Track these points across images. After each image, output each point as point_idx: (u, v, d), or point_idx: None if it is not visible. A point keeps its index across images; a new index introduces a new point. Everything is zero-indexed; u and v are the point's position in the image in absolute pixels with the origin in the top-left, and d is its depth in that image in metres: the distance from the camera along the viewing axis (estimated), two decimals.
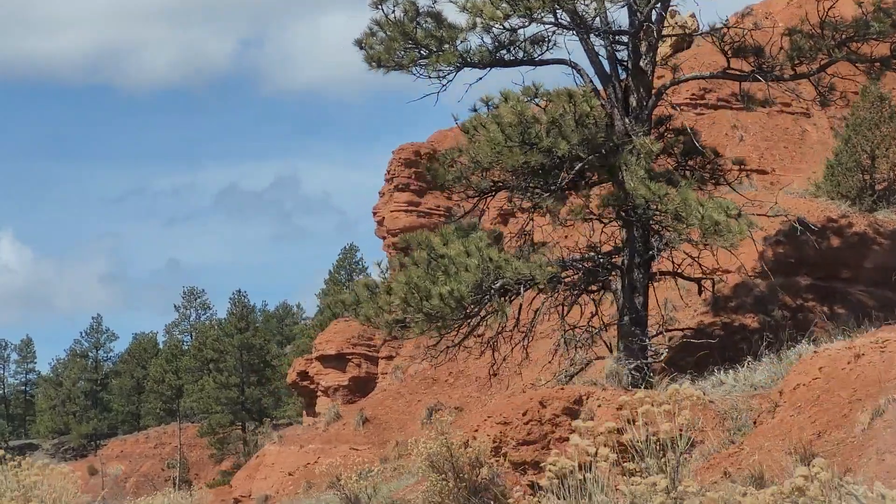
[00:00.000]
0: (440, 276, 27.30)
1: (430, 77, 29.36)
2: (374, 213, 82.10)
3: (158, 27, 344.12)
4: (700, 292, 30.67)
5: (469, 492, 21.21)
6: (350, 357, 51.30)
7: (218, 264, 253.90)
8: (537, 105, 27.38)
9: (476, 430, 22.10)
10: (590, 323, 28.34)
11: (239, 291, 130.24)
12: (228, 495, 42.99)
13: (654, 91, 29.59)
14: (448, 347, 28.41)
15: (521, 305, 28.09)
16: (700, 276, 30.16)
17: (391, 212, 79.14)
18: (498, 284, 27.44)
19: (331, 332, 51.49)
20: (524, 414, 21.84)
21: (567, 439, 21.88)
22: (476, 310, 27.51)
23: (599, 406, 22.00)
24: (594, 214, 28.17)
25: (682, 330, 30.77)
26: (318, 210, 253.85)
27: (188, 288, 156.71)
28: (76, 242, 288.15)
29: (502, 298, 27.51)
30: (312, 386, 57.86)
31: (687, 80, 30.41)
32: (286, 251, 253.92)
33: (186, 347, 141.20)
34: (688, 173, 30.33)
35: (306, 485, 35.10)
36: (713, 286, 30.32)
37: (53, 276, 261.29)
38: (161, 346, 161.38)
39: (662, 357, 26.72)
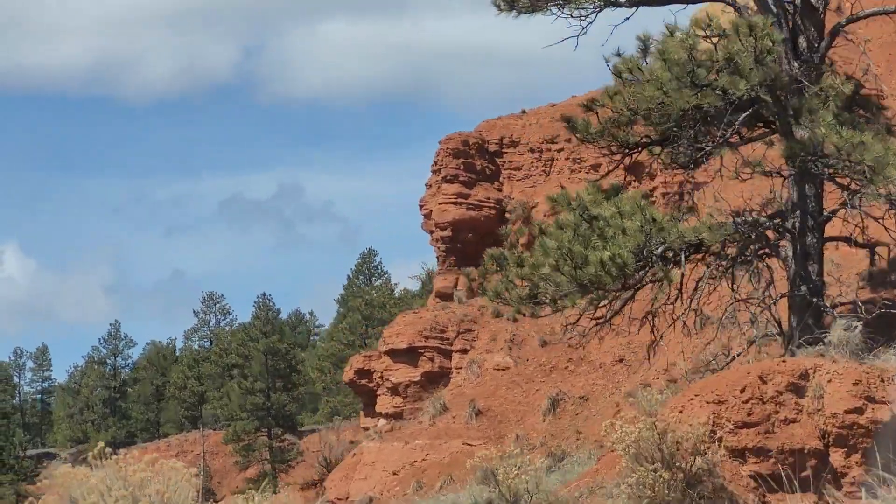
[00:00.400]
0: (595, 240, 23.66)
1: (570, 17, 25.76)
2: (421, 206, 78.34)
3: (157, 35, 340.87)
4: (872, 262, 26.99)
5: (685, 484, 17.52)
6: (422, 351, 47.66)
7: (222, 273, 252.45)
8: (707, 40, 23.70)
9: (681, 411, 18.40)
10: (765, 293, 24.59)
11: (263, 295, 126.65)
12: (302, 496, 39.34)
13: (826, 31, 25.97)
14: (600, 322, 24.70)
15: (682, 275, 24.41)
16: (874, 242, 26.48)
17: (439, 204, 75.38)
18: (660, 250, 23.81)
19: (400, 325, 47.74)
20: (742, 391, 18.18)
21: (795, 420, 18.23)
22: (637, 279, 23.87)
23: (830, 381, 18.34)
24: (773, 168, 24.47)
25: (849, 304, 27.05)
26: (321, 218, 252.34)
27: (207, 293, 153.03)
28: (79, 253, 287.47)
29: (665, 265, 23.88)
30: (371, 384, 54.21)
31: (868, 15, 26.73)
32: (289, 259, 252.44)
33: (207, 353, 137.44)
34: None
35: (416, 484, 31.40)
36: (889, 254, 26.62)
37: (57, 287, 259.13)
38: (179, 352, 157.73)
39: (857, 330, 22.98)
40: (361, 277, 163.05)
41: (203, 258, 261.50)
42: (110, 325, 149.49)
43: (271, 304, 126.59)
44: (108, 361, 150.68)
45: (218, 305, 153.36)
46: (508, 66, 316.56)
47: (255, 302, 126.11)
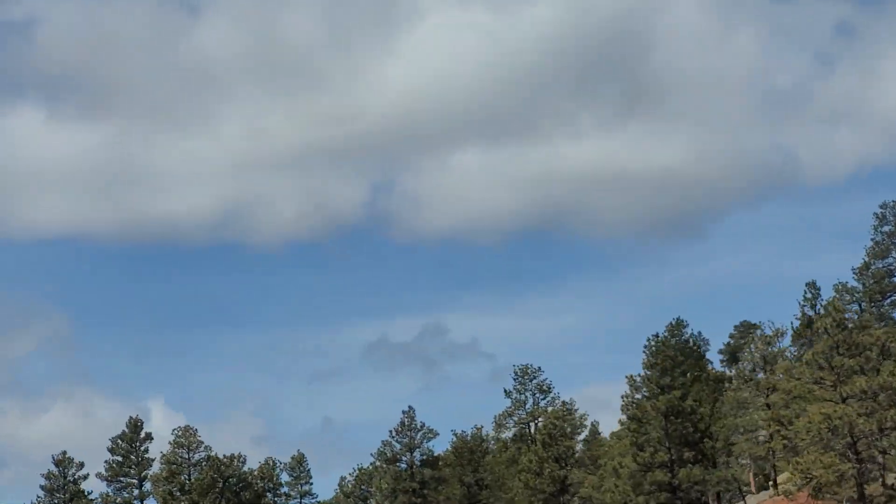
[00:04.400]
0: None
1: None
2: None
3: (283, 177, 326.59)
4: None
5: None
6: None
7: (371, 418, 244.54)
8: None
9: None
10: None
11: (656, 336, 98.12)
12: None
13: None
14: None
15: None
16: None
17: None
18: None
19: None
20: None
21: None
22: None
23: None
24: None
25: None
26: (467, 357, 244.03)
27: (520, 367, 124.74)
28: (225, 405, 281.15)
29: None
30: None
31: None
32: (438, 399, 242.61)
33: (552, 430, 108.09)
34: None
35: None
36: None
37: (207, 441, 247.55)
38: (485, 440, 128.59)
39: None
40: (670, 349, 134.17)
41: (349, 404, 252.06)
42: (403, 412, 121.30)
43: (668, 341, 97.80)
44: (404, 458, 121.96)
45: (535, 381, 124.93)
46: (644, 188, 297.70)
47: (645, 345, 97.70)
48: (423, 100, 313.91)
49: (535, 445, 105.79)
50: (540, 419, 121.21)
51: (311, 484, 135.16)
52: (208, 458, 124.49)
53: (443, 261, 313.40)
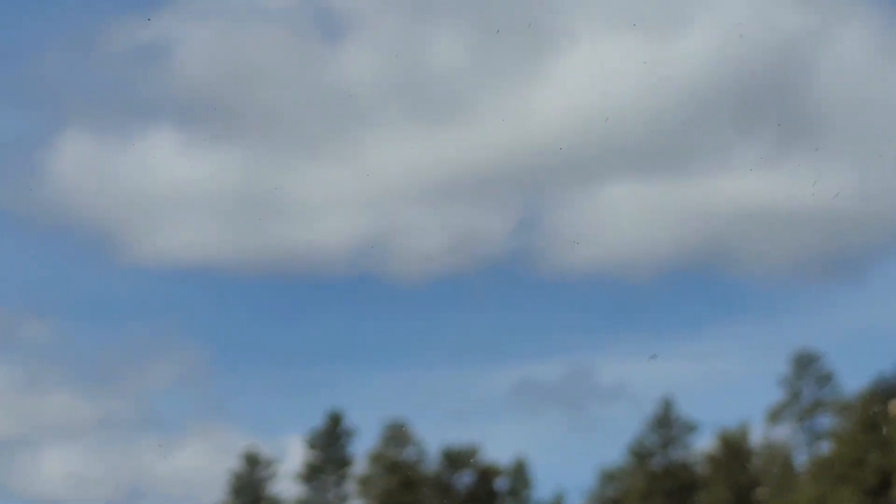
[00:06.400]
0: None
1: None
2: None
3: (427, 209, 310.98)
4: None
5: None
6: None
7: (515, 460, 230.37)
8: None
9: None
10: None
11: None
12: None
13: None
14: None
15: None
16: None
17: None
18: None
19: None
20: None
21: None
22: None
23: None
24: None
25: None
26: (615, 401, 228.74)
27: (798, 353, 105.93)
28: (364, 444, 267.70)
29: None
30: None
31: None
32: (584, 442, 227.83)
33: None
34: None
35: None
36: None
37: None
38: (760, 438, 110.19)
39: None
40: None
41: (494, 444, 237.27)
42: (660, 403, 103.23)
43: None
44: (658, 454, 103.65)
45: (813, 365, 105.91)
46: (803, 226, 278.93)
47: None
48: (573, 131, 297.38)
49: (854, 431, 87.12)
50: (821, 411, 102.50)
51: (532, 488, 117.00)
52: (430, 452, 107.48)
53: (591, 299, 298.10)
